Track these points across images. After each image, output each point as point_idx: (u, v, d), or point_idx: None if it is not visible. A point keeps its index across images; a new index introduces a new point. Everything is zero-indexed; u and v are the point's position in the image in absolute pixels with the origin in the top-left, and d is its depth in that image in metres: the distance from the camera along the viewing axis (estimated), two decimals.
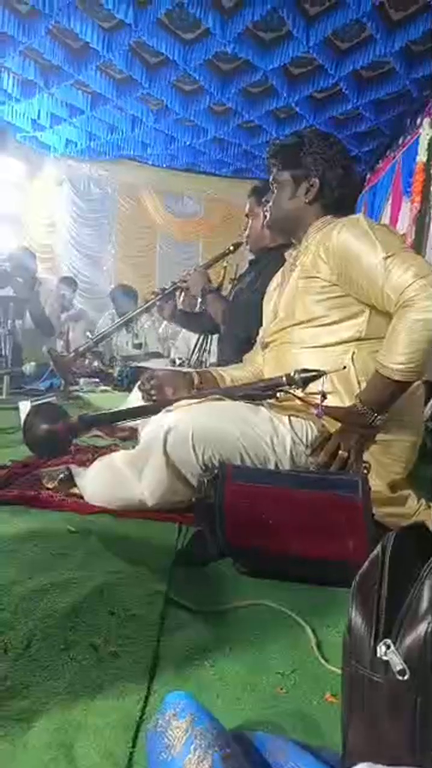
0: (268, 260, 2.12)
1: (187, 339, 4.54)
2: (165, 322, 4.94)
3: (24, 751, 0.58)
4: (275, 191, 1.57)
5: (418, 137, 4.26)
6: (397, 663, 0.50)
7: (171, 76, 4.44)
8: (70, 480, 1.47)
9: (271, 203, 1.59)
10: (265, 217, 2.13)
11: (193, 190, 7.31)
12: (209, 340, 3.00)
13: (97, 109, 5.13)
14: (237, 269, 2.93)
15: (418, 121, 4.37)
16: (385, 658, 0.51)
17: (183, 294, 2.67)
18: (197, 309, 2.77)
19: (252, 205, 2.25)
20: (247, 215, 2.28)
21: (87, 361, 3.96)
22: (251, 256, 2.43)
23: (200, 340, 3.04)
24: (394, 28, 3.63)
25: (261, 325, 1.71)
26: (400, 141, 4.87)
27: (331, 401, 1.34)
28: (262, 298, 1.75)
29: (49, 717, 0.63)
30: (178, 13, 3.73)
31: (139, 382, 1.77)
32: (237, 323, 2.17)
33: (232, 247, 2.47)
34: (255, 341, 1.76)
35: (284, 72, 4.32)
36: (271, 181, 1.59)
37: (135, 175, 6.92)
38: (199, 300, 2.49)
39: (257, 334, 1.74)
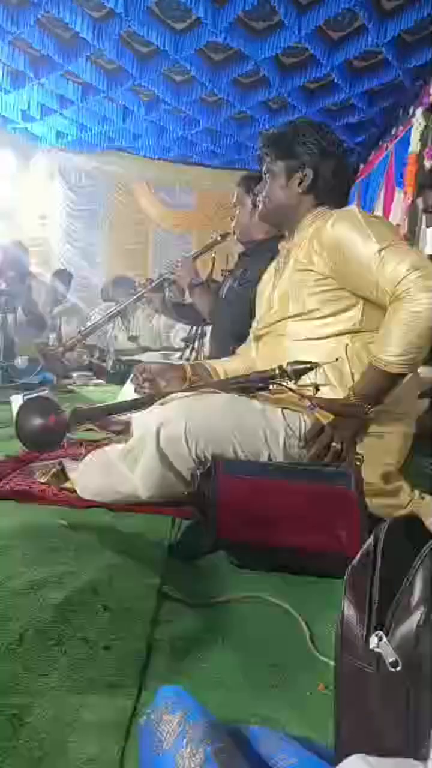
0: (258, 253, 2.10)
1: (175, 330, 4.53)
2: (157, 316, 4.92)
3: (16, 746, 0.58)
4: (268, 182, 1.56)
5: (411, 128, 4.24)
6: (389, 654, 0.50)
7: (162, 66, 4.39)
8: (63, 474, 1.46)
9: (263, 194, 1.58)
10: (253, 206, 2.12)
11: (185, 182, 7.26)
12: (202, 334, 2.99)
13: (87, 100, 5.07)
14: (228, 260, 2.93)
15: (411, 111, 4.35)
16: (377, 649, 0.51)
17: (172, 285, 2.67)
18: (186, 300, 2.76)
19: (240, 194, 2.22)
20: (234, 205, 2.26)
21: (77, 355, 3.95)
22: (241, 248, 2.41)
23: (192, 333, 3.03)
24: (386, 17, 3.59)
25: (253, 318, 1.71)
26: (393, 132, 4.84)
27: (325, 393, 1.34)
28: (253, 292, 1.74)
29: (42, 712, 0.63)
30: (169, 3, 3.69)
31: (132, 376, 1.76)
32: (228, 317, 2.15)
33: (219, 237, 2.45)
34: (247, 335, 1.76)
35: (276, 62, 4.28)
36: (263, 171, 1.58)
37: (127, 166, 6.85)
38: (187, 292, 2.48)
39: (249, 327, 1.74)
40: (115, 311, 3.35)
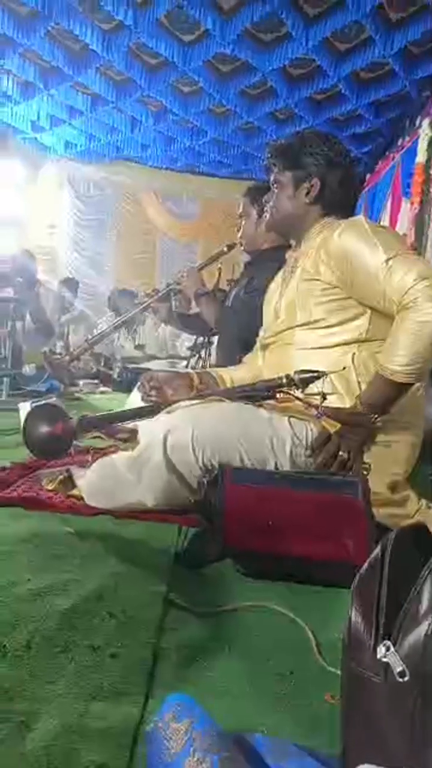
0: (263, 262, 2.11)
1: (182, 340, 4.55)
2: (164, 325, 4.95)
3: (23, 753, 0.58)
4: (275, 192, 1.57)
5: (418, 138, 4.25)
6: (396, 664, 0.50)
7: (170, 77, 4.44)
8: (70, 481, 1.46)
9: (271, 204, 1.59)
10: (258, 217, 2.14)
11: (192, 192, 7.31)
12: (208, 342, 3.00)
13: (96, 111, 5.12)
14: (234, 270, 2.94)
15: (418, 122, 4.37)
16: (384, 659, 0.51)
17: (178, 295, 2.68)
18: (192, 310, 2.77)
19: (245, 205, 2.23)
20: (240, 216, 2.28)
21: (82, 363, 3.97)
22: (247, 258, 2.42)
23: (199, 342, 3.04)
24: (393, 29, 3.62)
25: (259, 327, 1.71)
26: (400, 142, 4.86)
27: (332, 402, 1.34)
28: (258, 300, 1.75)
29: (48, 719, 0.63)
30: (177, 15, 3.73)
31: (138, 384, 1.77)
32: (234, 326, 2.16)
33: (226, 248, 2.46)
34: (253, 343, 1.76)
35: (283, 73, 4.32)
36: (271, 181, 1.59)
37: (135, 176, 6.91)
38: (193, 302, 2.50)
39: (256, 336, 1.74)
40: (120, 321, 3.37)
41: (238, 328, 2.08)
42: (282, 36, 3.85)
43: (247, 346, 1.82)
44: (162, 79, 4.47)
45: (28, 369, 3.51)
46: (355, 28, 3.68)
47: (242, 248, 2.32)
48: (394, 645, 0.51)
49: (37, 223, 7.03)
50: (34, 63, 4.51)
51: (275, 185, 1.57)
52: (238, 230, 2.30)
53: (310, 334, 1.43)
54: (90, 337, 4.04)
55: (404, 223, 4.45)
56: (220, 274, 2.85)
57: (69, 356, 3.48)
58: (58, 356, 3.80)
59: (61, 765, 0.57)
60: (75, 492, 1.42)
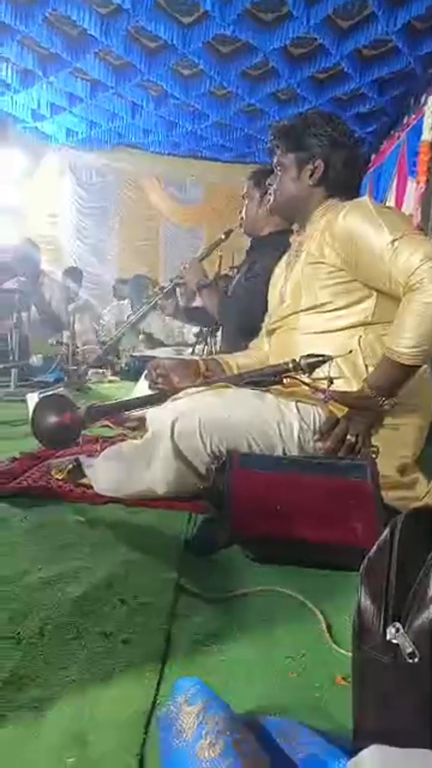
0: (264, 247, 2.10)
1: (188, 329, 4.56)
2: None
3: (37, 739, 0.59)
4: (279, 174, 1.55)
5: (423, 116, 4.18)
6: (406, 646, 0.50)
7: (170, 60, 4.38)
8: (79, 470, 1.47)
9: (274, 186, 1.58)
10: (260, 200, 2.12)
11: (195, 177, 7.25)
12: (214, 330, 3.00)
13: (96, 97, 5.07)
14: (233, 258, 2.92)
15: (423, 99, 4.29)
16: (394, 641, 0.51)
17: (183, 287, 2.68)
18: (198, 303, 2.77)
19: (249, 187, 2.22)
20: (243, 197, 2.26)
21: (88, 354, 4.00)
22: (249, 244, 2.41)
23: (205, 330, 3.04)
24: (396, 5, 3.54)
25: (262, 311, 1.70)
26: (405, 120, 4.78)
27: (339, 386, 1.33)
28: (259, 285, 1.74)
29: (62, 705, 0.64)
30: None
31: (146, 372, 1.77)
32: (238, 312, 2.15)
33: (224, 236, 2.45)
34: (258, 328, 1.75)
35: (285, 53, 4.25)
36: (274, 163, 1.57)
37: (137, 162, 6.85)
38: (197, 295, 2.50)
39: (258, 321, 1.73)
40: (131, 323, 3.39)
41: (241, 313, 2.07)
42: (283, 15, 3.78)
43: (251, 331, 1.81)
44: (162, 62, 4.41)
45: (35, 359, 3.51)
46: (358, 5, 3.60)
47: (242, 230, 2.31)
48: (403, 627, 0.51)
49: (39, 212, 7.00)
50: (32, 50, 4.46)
51: (278, 167, 1.55)
52: (240, 212, 2.29)
53: (315, 318, 1.42)
54: (98, 325, 4.03)
55: (410, 203, 4.39)
56: (220, 261, 2.84)
57: (86, 364, 3.55)
58: (66, 346, 3.81)
59: (75, 750, 0.57)
60: (84, 481, 1.43)
